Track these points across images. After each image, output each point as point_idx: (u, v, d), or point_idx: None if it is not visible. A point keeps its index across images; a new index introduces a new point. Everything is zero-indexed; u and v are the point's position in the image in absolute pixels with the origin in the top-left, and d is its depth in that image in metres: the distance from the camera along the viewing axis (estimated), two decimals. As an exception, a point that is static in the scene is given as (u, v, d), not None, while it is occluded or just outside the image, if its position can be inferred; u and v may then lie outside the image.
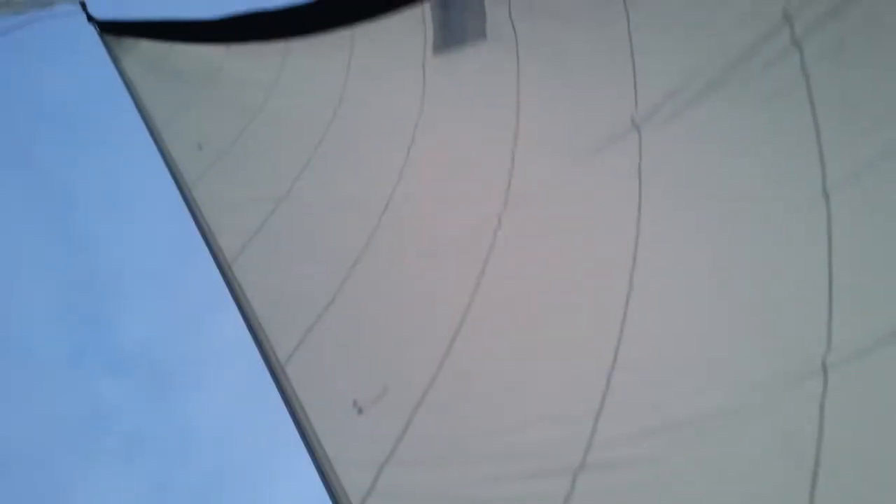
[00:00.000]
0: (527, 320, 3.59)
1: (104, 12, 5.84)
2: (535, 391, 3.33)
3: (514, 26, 4.96)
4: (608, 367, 3.26)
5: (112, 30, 5.69)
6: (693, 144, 3.77)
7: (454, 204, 4.22)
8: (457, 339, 3.53)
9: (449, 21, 5.31)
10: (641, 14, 4.46)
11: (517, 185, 4.05)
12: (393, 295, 3.89)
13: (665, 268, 3.47)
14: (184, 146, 4.75)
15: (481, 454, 3.14)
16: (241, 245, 4.06)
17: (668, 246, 3.49)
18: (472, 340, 3.52)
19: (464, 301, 3.65)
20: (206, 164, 4.68)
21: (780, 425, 2.95)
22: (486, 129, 4.44)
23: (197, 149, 4.80)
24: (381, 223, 4.19)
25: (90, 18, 5.75)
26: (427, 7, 5.23)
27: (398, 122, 4.74)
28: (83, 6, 5.90)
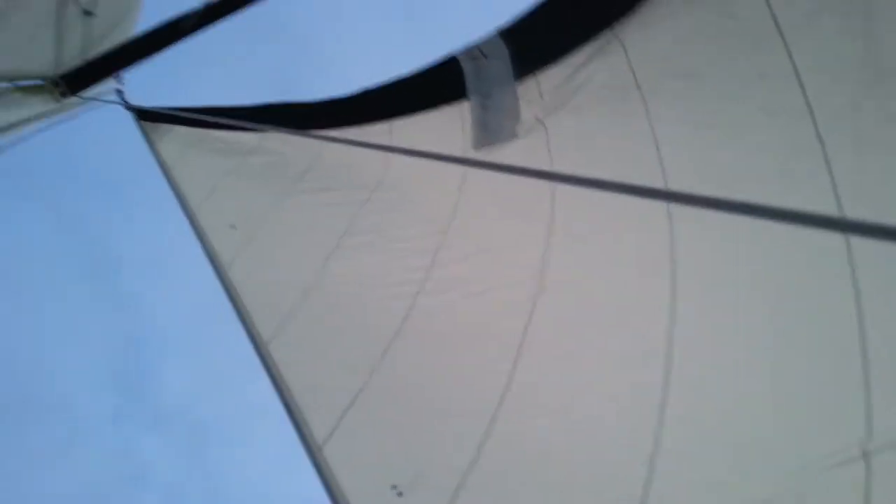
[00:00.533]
0: (563, 408, 3.61)
1: (141, 96, 6.06)
2: (573, 480, 3.32)
3: (544, 124, 5.16)
4: (649, 454, 3.25)
5: (149, 117, 5.90)
6: (723, 234, 3.87)
7: (490, 288, 4.29)
8: (496, 420, 3.53)
9: (487, 122, 5.57)
10: (659, 106, 4.64)
11: (552, 272, 4.13)
12: (428, 379, 3.92)
13: (701, 353, 3.51)
14: (217, 226, 4.85)
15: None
16: (276, 325, 4.11)
17: (704, 332, 3.54)
18: (513, 422, 3.53)
19: (500, 386, 3.68)
20: (239, 243, 4.78)
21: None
22: (522, 217, 4.56)
23: (230, 228, 4.91)
24: (415, 304, 4.26)
25: (128, 107, 5.96)
26: (466, 106, 5.49)
27: (435, 208, 4.87)
28: (119, 94, 6.13)
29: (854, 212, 3.59)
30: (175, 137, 5.75)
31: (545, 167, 4.63)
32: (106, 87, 6.04)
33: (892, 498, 2.87)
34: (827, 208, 3.67)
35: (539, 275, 4.13)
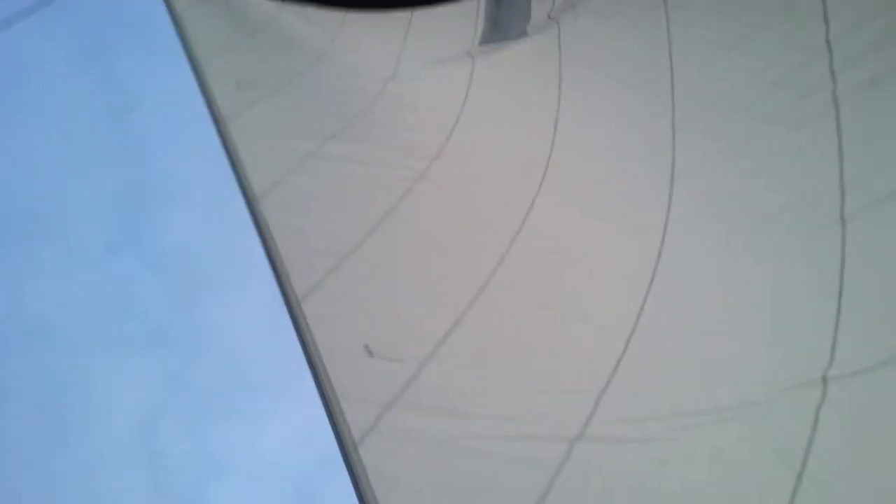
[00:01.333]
0: (547, 297, 3.70)
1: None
2: (544, 363, 3.43)
3: (557, 21, 5.11)
4: (619, 353, 3.37)
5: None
6: (724, 157, 3.90)
7: (491, 181, 4.32)
8: (477, 300, 3.62)
9: (498, 18, 5.53)
10: (682, 23, 4.59)
11: (553, 172, 4.16)
12: (420, 251, 3.99)
13: (687, 267, 3.59)
14: (223, 82, 4.81)
15: (483, 412, 3.22)
16: (270, 182, 4.13)
17: (692, 247, 3.61)
18: (493, 305, 3.61)
19: (489, 268, 3.75)
20: (243, 103, 4.75)
21: (775, 427, 3.07)
22: (528, 115, 4.56)
23: (235, 87, 4.87)
24: (413, 188, 4.29)
25: None
26: (482, 1, 5.44)
27: (444, 102, 4.86)
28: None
29: (854, 152, 3.63)
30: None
31: (554, 66, 4.61)
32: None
33: (839, 421, 3.00)
34: (829, 146, 3.71)
35: (542, 174, 4.15)
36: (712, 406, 3.17)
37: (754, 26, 4.26)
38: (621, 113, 4.27)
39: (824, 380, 3.09)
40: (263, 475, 9.84)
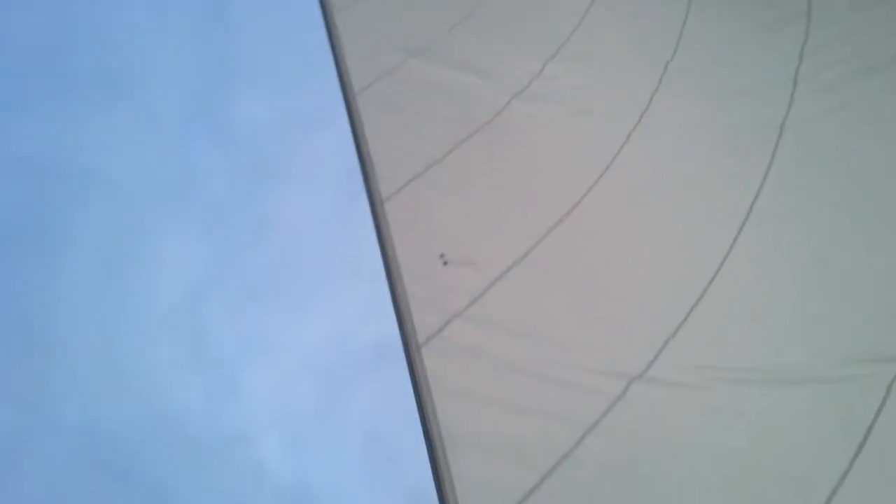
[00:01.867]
0: (631, 234, 3.64)
1: None
2: (617, 300, 3.41)
3: None
4: (693, 300, 3.32)
5: None
6: (842, 120, 3.72)
7: (589, 111, 4.21)
8: (558, 228, 3.59)
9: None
10: None
11: (656, 109, 4.04)
12: (507, 172, 3.96)
13: (779, 224, 3.48)
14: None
15: (549, 337, 3.24)
16: (367, 82, 4.12)
17: (789, 205, 3.49)
18: (574, 236, 3.58)
19: (574, 199, 3.70)
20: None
21: (842, 396, 3.01)
22: (640, 50, 4.41)
23: None
24: (509, 105, 4.22)
25: None
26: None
27: (554, 25, 4.72)
28: None
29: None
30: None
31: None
32: None
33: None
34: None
35: (644, 109, 4.03)
36: (780, 367, 3.11)
37: None
38: (743, 58, 4.08)
39: None
40: (296, 367, 10.07)
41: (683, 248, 3.56)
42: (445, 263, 3.42)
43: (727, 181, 3.70)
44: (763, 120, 3.77)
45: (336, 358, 9.77)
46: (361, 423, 9.41)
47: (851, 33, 4.02)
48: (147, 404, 9.38)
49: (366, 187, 3.67)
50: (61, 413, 9.13)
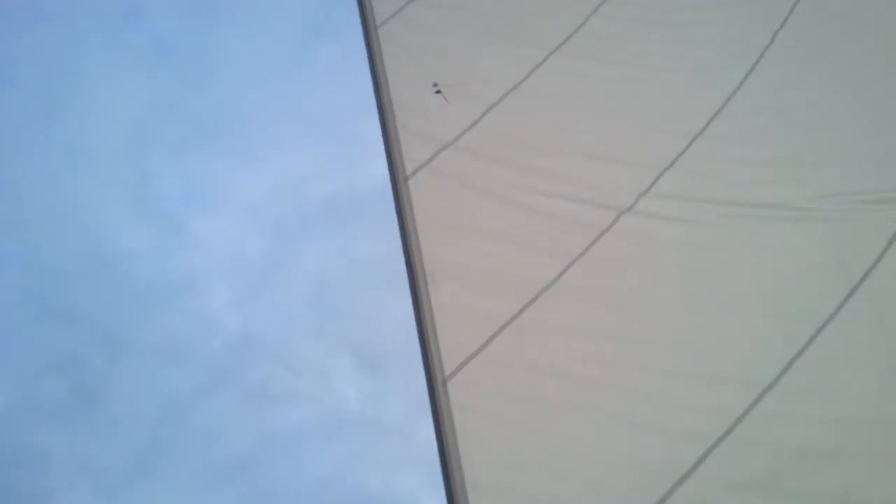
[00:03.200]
0: (630, 66, 3.42)
1: None
2: (610, 130, 3.26)
3: None
4: (696, 131, 3.16)
5: None
6: None
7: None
8: (557, 52, 3.40)
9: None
10: None
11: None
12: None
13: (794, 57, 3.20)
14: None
15: (540, 166, 3.15)
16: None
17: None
18: (573, 62, 3.39)
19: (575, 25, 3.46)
20: None
21: (845, 236, 2.89)
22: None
23: None
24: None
25: None
26: None
27: None
28: None
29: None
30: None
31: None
32: None
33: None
34: None
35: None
36: (783, 201, 2.98)
37: None
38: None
39: None
40: (244, 214, 9.63)
41: (688, 84, 3.35)
42: (438, 91, 3.30)
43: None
44: None
45: (285, 210, 9.31)
46: (309, 276, 9.22)
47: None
48: (91, 247, 9.06)
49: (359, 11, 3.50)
50: (3, 251, 8.96)
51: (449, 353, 2.82)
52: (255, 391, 8.98)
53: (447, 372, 2.82)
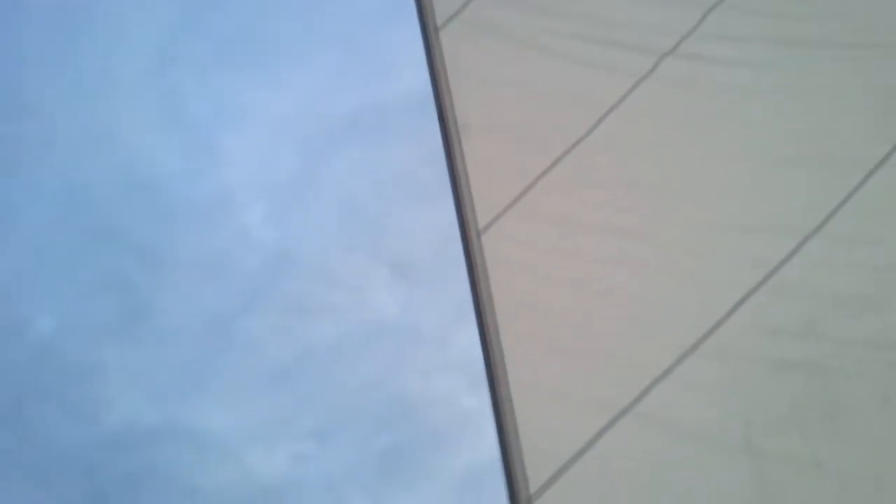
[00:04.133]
0: None
1: None
2: None
3: None
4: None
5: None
6: None
7: None
8: None
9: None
10: None
11: None
12: None
13: None
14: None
15: (574, 11, 2.98)
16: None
17: None
18: None
19: None
20: None
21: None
22: None
23: None
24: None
25: None
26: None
27: None
28: None
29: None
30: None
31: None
32: None
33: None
34: None
35: None
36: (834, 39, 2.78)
37: None
38: None
39: None
40: (274, 131, 9.62)
41: None
42: None
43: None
44: None
45: (312, 127, 9.22)
46: (340, 190, 9.20)
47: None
48: (125, 168, 9.17)
49: None
50: (39, 177, 9.06)
51: (482, 205, 2.76)
52: (293, 304, 9.13)
53: (481, 225, 2.76)
